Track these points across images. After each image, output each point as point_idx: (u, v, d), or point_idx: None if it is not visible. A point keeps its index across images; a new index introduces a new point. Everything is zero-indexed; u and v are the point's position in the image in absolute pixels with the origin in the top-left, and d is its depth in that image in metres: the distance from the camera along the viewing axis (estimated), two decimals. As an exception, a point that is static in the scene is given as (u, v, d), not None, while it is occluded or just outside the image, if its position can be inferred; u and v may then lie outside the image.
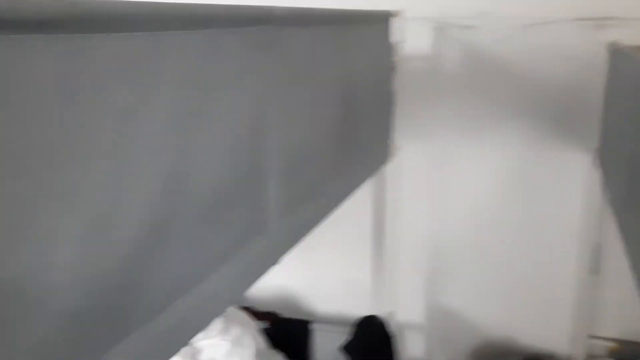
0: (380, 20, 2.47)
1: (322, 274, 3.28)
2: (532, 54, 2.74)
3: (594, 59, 2.58)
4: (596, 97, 2.59)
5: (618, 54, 2.24)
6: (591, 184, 2.73)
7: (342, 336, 2.89)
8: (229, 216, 1.32)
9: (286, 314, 3.22)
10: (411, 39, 2.64)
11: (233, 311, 2.80)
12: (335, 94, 1.94)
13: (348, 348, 2.81)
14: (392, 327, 2.95)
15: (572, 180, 2.82)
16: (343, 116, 2.00)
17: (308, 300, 3.37)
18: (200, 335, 1.98)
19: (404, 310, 3.15)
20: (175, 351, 1.18)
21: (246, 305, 3.09)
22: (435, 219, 3.06)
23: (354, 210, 2.53)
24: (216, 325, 2.57)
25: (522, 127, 2.84)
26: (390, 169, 2.78)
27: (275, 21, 1.44)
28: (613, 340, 2.92)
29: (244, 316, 2.88)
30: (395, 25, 2.55)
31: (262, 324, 3.00)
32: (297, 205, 1.66)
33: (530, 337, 3.05)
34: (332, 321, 3.19)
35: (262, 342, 2.85)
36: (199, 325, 1.28)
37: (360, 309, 3.00)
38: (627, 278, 2.93)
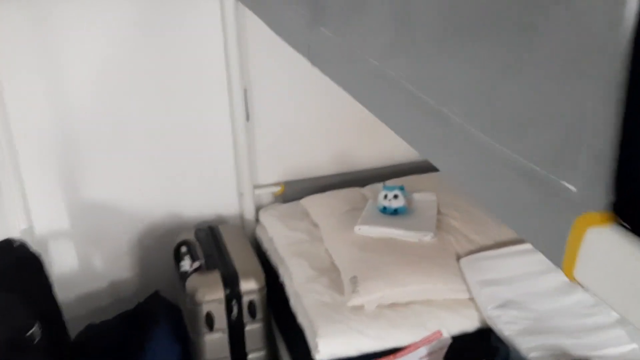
0: None
1: None
2: None
3: None
4: None
5: None
6: (233, 27, 2.45)
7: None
8: None
9: None
10: None
11: None
12: None
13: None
14: (33, 246, 2.33)
15: (211, 24, 2.49)
16: None
17: None
18: None
19: (44, 222, 2.54)
20: None
21: None
22: (56, 102, 2.44)
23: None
24: None
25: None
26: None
27: None
28: (276, 184, 2.83)
29: None
30: None
31: None
32: None
33: (199, 207, 2.77)
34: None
35: None
36: None
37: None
38: (274, 123, 2.84)
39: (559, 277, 2.06)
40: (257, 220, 2.81)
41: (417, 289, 2.17)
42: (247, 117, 2.67)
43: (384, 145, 2.92)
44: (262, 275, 2.39)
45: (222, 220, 2.82)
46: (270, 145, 2.78)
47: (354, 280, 2.17)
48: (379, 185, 2.77)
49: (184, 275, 2.38)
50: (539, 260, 1.22)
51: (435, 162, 0.96)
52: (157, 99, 2.56)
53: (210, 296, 2.30)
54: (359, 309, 2.12)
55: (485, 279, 2.19)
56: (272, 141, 2.77)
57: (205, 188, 2.76)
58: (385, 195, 2.48)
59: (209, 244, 2.54)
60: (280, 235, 2.59)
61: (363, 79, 1.20)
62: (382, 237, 2.36)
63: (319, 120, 2.81)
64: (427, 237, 2.34)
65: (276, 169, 2.84)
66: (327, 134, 2.85)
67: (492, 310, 2.09)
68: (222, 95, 2.63)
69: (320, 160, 2.88)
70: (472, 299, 2.16)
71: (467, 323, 2.11)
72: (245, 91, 2.63)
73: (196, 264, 2.38)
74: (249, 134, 2.69)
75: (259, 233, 2.75)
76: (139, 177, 2.65)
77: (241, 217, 2.84)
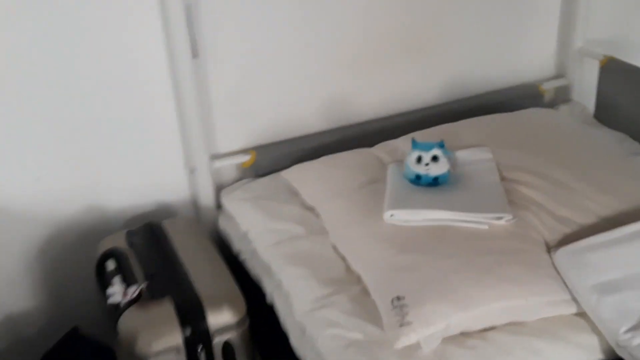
0: None
1: None
2: None
3: None
4: None
5: None
6: None
7: None
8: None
9: None
10: None
11: None
12: None
13: None
14: None
15: None
16: None
17: None
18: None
19: None
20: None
21: None
22: None
23: None
24: None
25: None
26: None
27: None
28: (244, 151, 1.93)
29: None
30: None
31: None
32: None
33: (130, 194, 1.84)
34: None
35: None
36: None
37: None
38: (235, 60, 1.90)
39: None
40: (219, 206, 1.91)
41: (499, 308, 1.34)
42: (195, 53, 1.75)
43: (393, 86, 2.06)
44: (240, 300, 1.51)
45: (166, 212, 1.90)
46: (231, 95, 1.87)
47: (400, 304, 1.32)
48: (397, 142, 1.91)
49: (115, 310, 1.47)
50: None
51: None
52: (53, 30, 1.60)
53: (160, 343, 1.41)
54: (412, 349, 1.28)
55: (602, 281, 1.37)
56: (233, 88, 1.86)
57: (136, 165, 1.83)
58: (418, 157, 1.62)
59: (150, 253, 1.63)
60: (260, 229, 1.70)
61: None
62: (429, 225, 1.51)
63: (301, 54, 1.91)
64: (503, 220, 1.50)
65: (242, 129, 1.93)
66: (312, 74, 1.95)
67: (626, 334, 1.29)
68: (153, 18, 1.69)
69: (304, 112, 1.99)
70: (583, 315, 1.36)
71: (583, 356, 1.31)
72: (188, 10, 1.70)
73: (133, 291, 1.48)
74: (198, 79, 1.77)
75: (225, 226, 1.85)
76: (37, 156, 1.70)
77: (194, 205, 1.93)
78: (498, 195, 1.56)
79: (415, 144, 1.64)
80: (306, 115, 1.98)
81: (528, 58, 2.23)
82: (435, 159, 1.61)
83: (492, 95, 2.19)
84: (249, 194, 1.83)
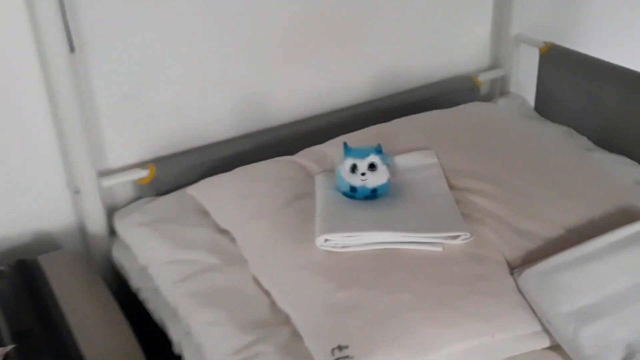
0: None
1: None
2: None
3: None
4: None
5: None
6: None
7: None
8: None
9: None
10: None
11: None
12: None
13: None
14: None
15: None
16: None
17: None
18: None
19: None
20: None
21: None
22: None
23: None
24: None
25: None
26: None
27: None
28: (141, 165, 1.60)
29: None
30: None
31: None
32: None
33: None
34: None
35: None
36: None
37: None
38: (124, 53, 1.53)
39: None
40: (112, 233, 1.57)
41: (462, 350, 1.09)
42: (72, 47, 1.40)
43: (316, 82, 1.78)
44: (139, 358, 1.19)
45: (45, 245, 1.54)
46: (122, 97, 1.53)
47: (343, 355, 1.04)
48: (324, 147, 1.64)
49: (-29, 383, 1.13)
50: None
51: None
52: None
53: None
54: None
55: (578, 307, 1.15)
56: (125, 89, 1.53)
57: (4, 188, 1.47)
58: (352, 165, 1.35)
59: (20, 302, 1.28)
60: (162, 261, 1.38)
61: None
62: (372, 250, 1.25)
63: (206, 47, 1.60)
64: (459, 240, 1.26)
65: (137, 139, 1.60)
66: (221, 70, 1.64)
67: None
68: (16, 3, 1.35)
69: (213, 116, 1.67)
70: (557, 348, 1.14)
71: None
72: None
73: (-5, 356, 1.14)
74: (78, 79, 1.43)
75: (120, 258, 1.50)
76: None
77: (81, 234, 1.57)
78: (449, 208, 1.31)
79: (348, 150, 1.37)
80: (215, 119, 1.67)
81: (462, 47, 2.01)
82: (372, 167, 1.34)
83: (425, 89, 1.95)
84: (148, 216, 1.51)
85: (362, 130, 1.63)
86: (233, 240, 1.40)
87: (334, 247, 1.23)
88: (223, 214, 1.46)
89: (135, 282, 1.43)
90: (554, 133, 1.78)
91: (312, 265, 1.21)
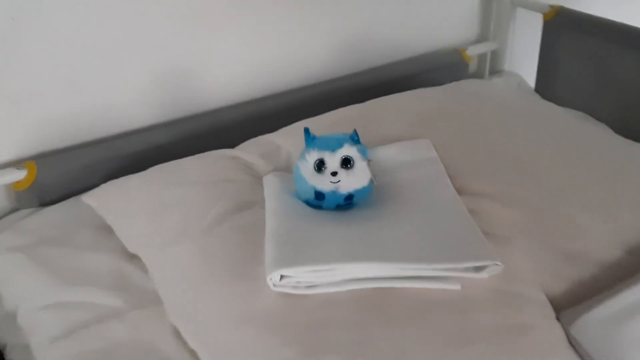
0: None
1: None
2: None
3: None
4: None
5: None
6: None
7: None
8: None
9: None
10: None
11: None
12: None
13: None
14: None
15: None
16: None
17: None
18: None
19: None
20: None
21: None
22: None
23: None
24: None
25: None
26: None
27: None
28: (16, 164, 1.13)
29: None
30: None
31: None
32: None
33: None
34: None
35: None
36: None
37: None
38: None
39: None
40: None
41: None
42: None
43: (264, 54, 1.35)
44: None
45: None
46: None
47: None
48: (277, 137, 1.20)
49: None
50: None
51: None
52: None
53: None
54: None
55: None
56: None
57: None
58: (318, 162, 0.93)
59: None
60: (39, 304, 0.93)
61: None
62: (352, 292, 0.82)
63: (111, 5, 1.15)
64: (485, 272, 0.84)
65: (12, 129, 1.14)
66: (132, 35, 1.20)
67: None
68: None
69: (120, 97, 1.22)
70: None
71: None
72: None
73: None
74: None
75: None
76: None
77: None
78: (464, 223, 0.90)
79: (311, 140, 0.94)
80: (123, 101, 1.22)
81: (447, 14, 1.61)
82: (347, 163, 0.92)
83: (402, 65, 1.55)
84: (24, 238, 1.04)
85: (328, 114, 1.21)
86: (144, 269, 0.96)
87: (294, 287, 0.80)
88: (131, 232, 1.01)
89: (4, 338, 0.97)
90: (574, 120, 1.39)
91: (260, 317, 0.78)
